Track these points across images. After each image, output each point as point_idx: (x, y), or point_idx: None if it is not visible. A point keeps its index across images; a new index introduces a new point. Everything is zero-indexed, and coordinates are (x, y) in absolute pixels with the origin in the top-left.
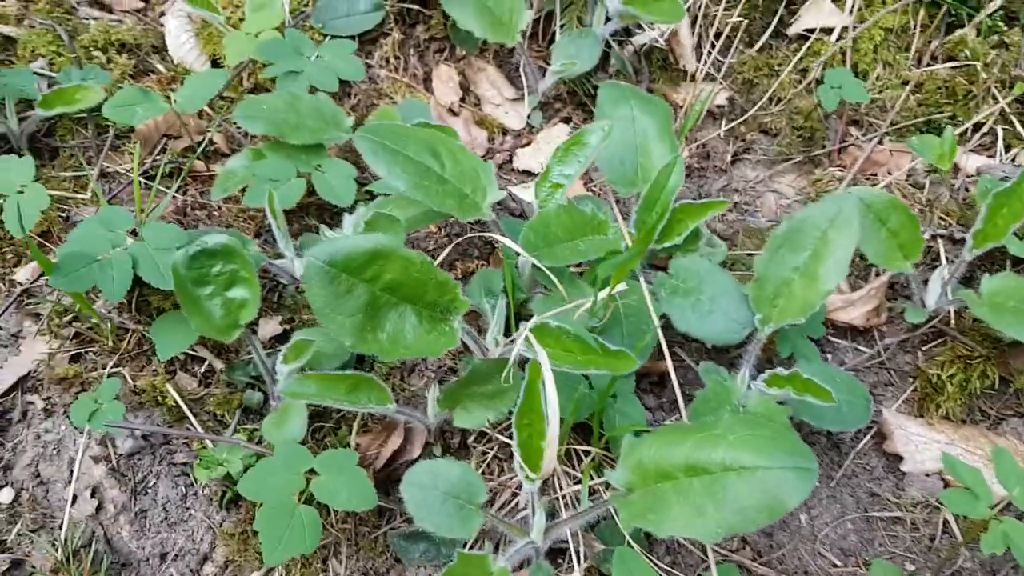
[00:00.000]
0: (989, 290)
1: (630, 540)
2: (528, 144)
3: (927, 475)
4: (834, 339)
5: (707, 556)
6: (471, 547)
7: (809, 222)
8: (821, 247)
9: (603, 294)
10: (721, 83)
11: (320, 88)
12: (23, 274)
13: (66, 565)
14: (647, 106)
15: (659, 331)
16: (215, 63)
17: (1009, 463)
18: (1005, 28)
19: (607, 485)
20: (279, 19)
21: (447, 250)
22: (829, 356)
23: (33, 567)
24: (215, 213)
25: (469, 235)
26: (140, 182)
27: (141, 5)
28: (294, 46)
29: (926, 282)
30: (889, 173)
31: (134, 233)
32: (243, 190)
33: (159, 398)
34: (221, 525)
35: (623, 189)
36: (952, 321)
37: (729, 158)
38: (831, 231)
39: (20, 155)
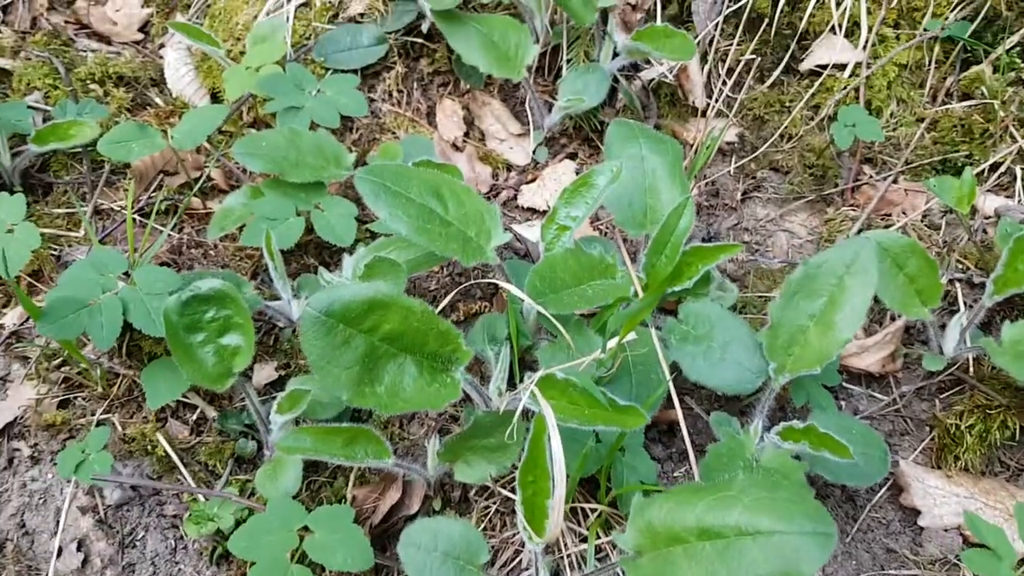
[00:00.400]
0: (1010, 337)
1: None
2: (533, 180)
3: (946, 530)
4: (848, 386)
5: None
6: None
7: (825, 268)
8: (838, 294)
9: (612, 344)
10: (731, 119)
11: (321, 124)
12: (11, 317)
13: None
14: (657, 145)
15: (669, 379)
16: (215, 97)
17: None
18: (1022, 64)
19: (614, 545)
20: (280, 53)
21: (450, 295)
22: (843, 403)
23: None
24: (211, 252)
25: (472, 280)
26: (135, 220)
27: (140, 37)
28: (295, 81)
29: (943, 328)
30: (904, 214)
31: (126, 275)
32: (240, 228)
33: (149, 447)
34: None
35: (632, 230)
36: (971, 369)
37: (739, 196)
38: (848, 277)
39: (12, 192)
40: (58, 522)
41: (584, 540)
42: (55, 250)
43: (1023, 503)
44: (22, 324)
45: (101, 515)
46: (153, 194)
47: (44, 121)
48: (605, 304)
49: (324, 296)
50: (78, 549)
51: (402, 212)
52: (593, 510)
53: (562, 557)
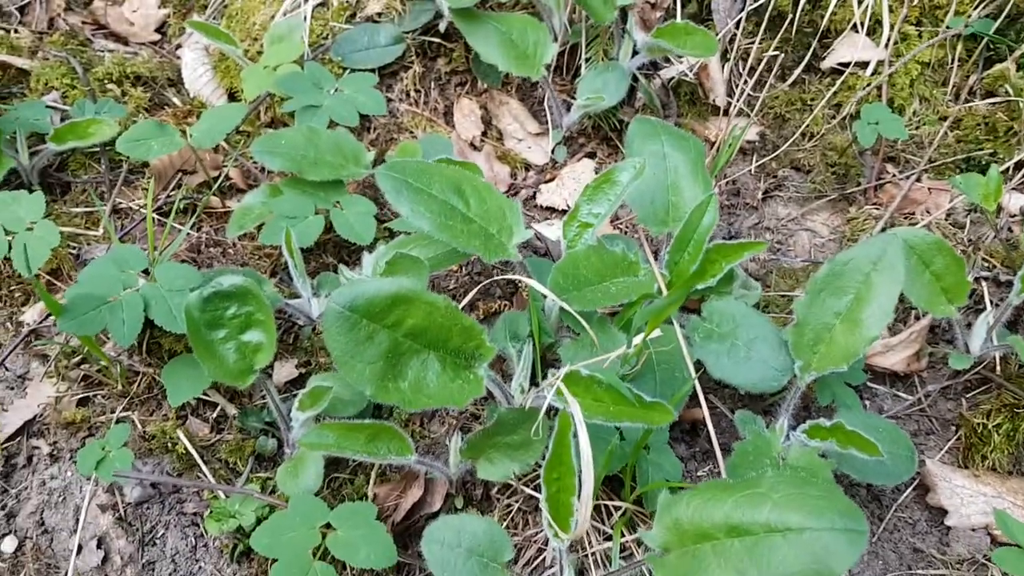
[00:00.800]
0: None
1: None
2: (552, 180)
3: (973, 530)
4: (873, 385)
5: None
6: None
7: (852, 265)
8: (864, 291)
9: (637, 340)
10: (752, 118)
11: (340, 122)
12: (31, 315)
13: None
14: (679, 142)
15: (693, 374)
16: (232, 96)
17: None
18: None
19: (639, 543)
20: (298, 52)
21: (470, 294)
22: (868, 403)
23: None
24: (230, 251)
25: (494, 276)
26: (154, 219)
27: (157, 37)
28: (313, 80)
29: (970, 326)
30: (928, 212)
31: (146, 273)
32: (259, 227)
33: (169, 444)
34: None
35: (654, 228)
36: (997, 367)
37: (760, 195)
38: (875, 274)
39: (31, 190)
40: (77, 520)
41: (608, 538)
42: (74, 248)
43: None
44: (42, 322)
45: (121, 513)
46: (172, 193)
47: (62, 120)
48: (629, 301)
49: (347, 291)
50: (98, 547)
51: (424, 208)
52: (617, 508)
53: (586, 555)
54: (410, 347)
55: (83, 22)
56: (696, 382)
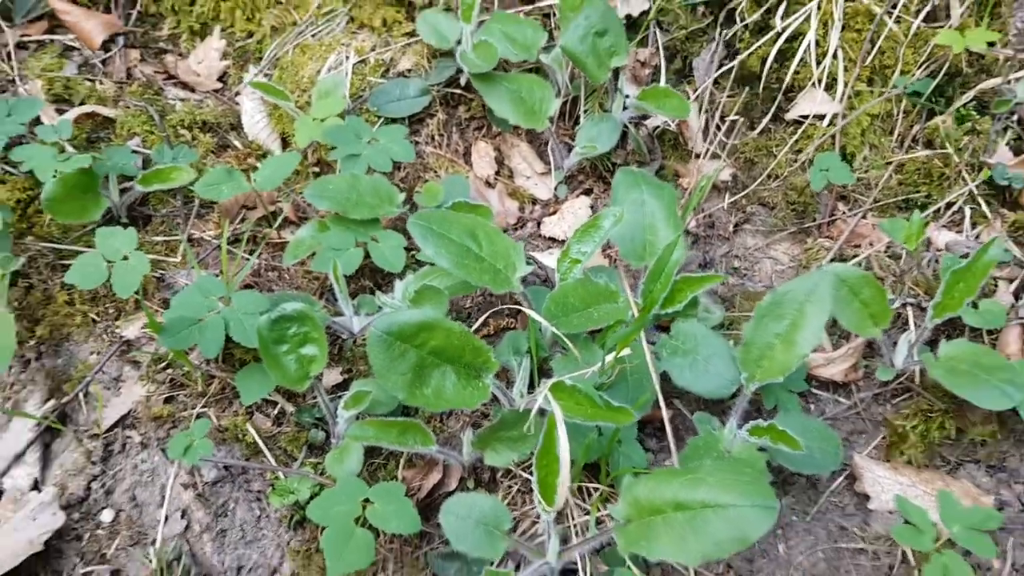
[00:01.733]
0: (945, 354)
1: (630, 563)
2: (554, 213)
3: (890, 512)
4: (818, 391)
5: None
6: (497, 566)
7: (789, 296)
8: (799, 318)
9: (610, 358)
10: (725, 161)
11: (376, 169)
12: (131, 330)
13: (159, 575)
14: (656, 191)
15: (658, 386)
16: (284, 141)
17: (951, 504)
18: (977, 116)
19: (611, 517)
20: (341, 107)
21: (484, 315)
22: (812, 407)
23: None
24: (285, 275)
25: (501, 304)
26: (226, 248)
27: (219, 85)
28: (354, 131)
29: (895, 344)
30: (871, 245)
31: (224, 298)
32: (311, 255)
33: (239, 435)
34: (289, 543)
35: (634, 262)
36: (917, 379)
37: (731, 228)
38: (807, 305)
39: (122, 223)
40: (163, 496)
41: (587, 513)
42: (157, 273)
43: (946, 490)
44: (137, 336)
45: (200, 490)
46: (237, 226)
47: (143, 163)
48: (608, 325)
49: (385, 320)
50: (181, 517)
51: (444, 250)
52: (596, 489)
53: (570, 526)
54: (433, 362)
55: (155, 72)
56: (659, 388)
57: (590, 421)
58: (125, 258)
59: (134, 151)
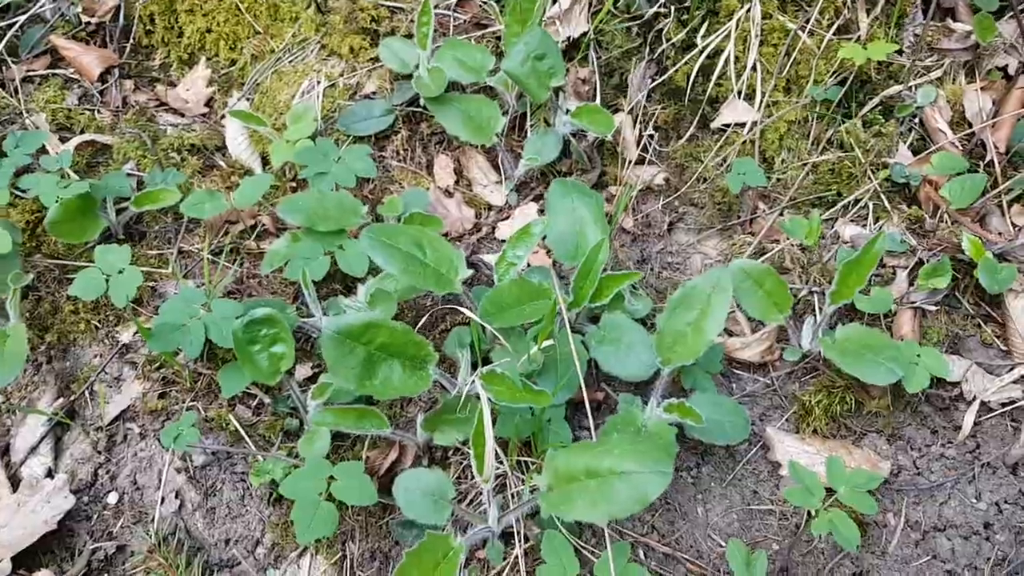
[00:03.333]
0: (840, 336)
1: (560, 526)
2: (507, 218)
3: None
4: (738, 371)
5: (621, 538)
6: (444, 530)
7: (697, 289)
8: (706, 308)
9: (534, 349)
10: (659, 167)
11: (342, 185)
12: (126, 335)
13: (158, 548)
14: (585, 198)
15: (581, 372)
16: (264, 159)
17: (838, 468)
18: (882, 120)
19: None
20: (311, 129)
21: (430, 313)
22: (734, 385)
23: (133, 550)
24: (264, 281)
25: (444, 306)
26: (209, 259)
27: (206, 110)
28: (323, 152)
29: (802, 328)
30: (787, 239)
31: (205, 306)
32: (286, 263)
33: (223, 424)
34: (269, 517)
35: (567, 262)
36: (822, 358)
37: (666, 227)
38: (713, 296)
39: (119, 241)
40: (160, 480)
41: (524, 483)
42: (151, 283)
43: (834, 456)
44: (133, 340)
45: (191, 473)
46: (221, 239)
47: (138, 185)
48: (537, 320)
49: (335, 321)
50: (175, 498)
51: (392, 259)
52: (532, 463)
53: (511, 495)
54: (380, 356)
55: (148, 99)
56: (580, 373)
57: (517, 404)
58: (121, 272)
59: (129, 174)
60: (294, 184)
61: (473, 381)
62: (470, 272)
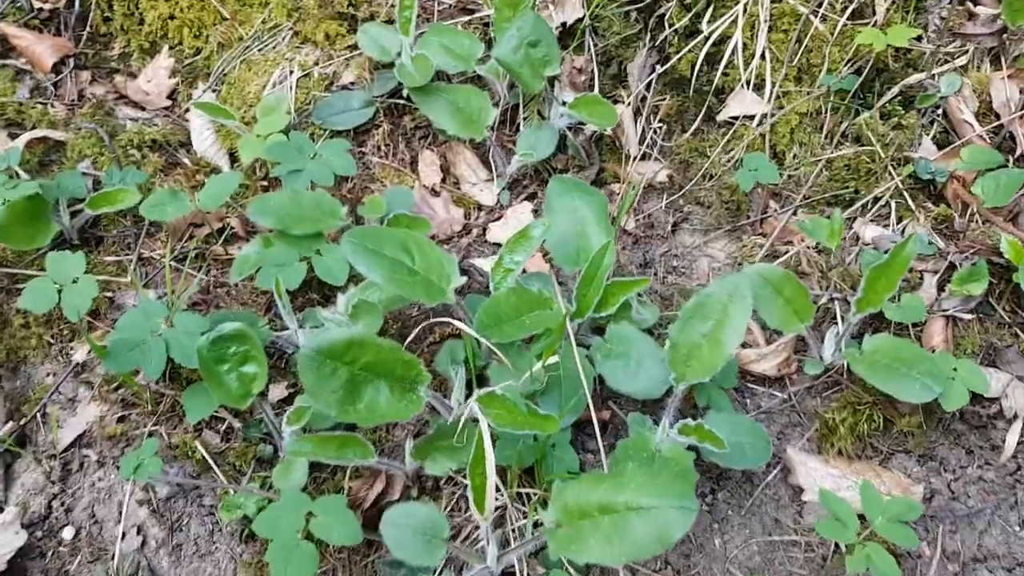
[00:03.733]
0: (869, 348)
1: (567, 565)
2: (499, 219)
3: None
4: (752, 386)
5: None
6: (439, 572)
7: (713, 297)
8: (723, 318)
9: (537, 367)
10: (661, 163)
11: (319, 183)
12: (80, 354)
13: None
14: (587, 197)
15: (589, 391)
16: (232, 156)
17: (873, 496)
18: (902, 111)
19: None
20: (284, 123)
21: (419, 325)
22: (748, 401)
23: None
24: (233, 291)
25: (434, 318)
26: (172, 266)
27: (169, 103)
28: (297, 147)
29: (824, 338)
30: (802, 240)
31: (167, 319)
32: (258, 270)
33: (189, 452)
34: (241, 556)
35: (568, 267)
36: (846, 372)
37: (670, 227)
38: (730, 305)
39: (73, 246)
40: (121, 512)
41: (526, 516)
42: (109, 292)
43: (868, 482)
44: (88, 357)
45: (155, 506)
46: (185, 244)
47: (94, 185)
48: (540, 332)
49: (314, 339)
50: (137, 533)
51: (377, 266)
52: (534, 493)
53: (511, 530)
54: (365, 378)
55: (107, 92)
56: (588, 392)
57: (519, 430)
58: (75, 282)
59: (84, 173)
60: (265, 183)
61: (467, 404)
62: (463, 280)
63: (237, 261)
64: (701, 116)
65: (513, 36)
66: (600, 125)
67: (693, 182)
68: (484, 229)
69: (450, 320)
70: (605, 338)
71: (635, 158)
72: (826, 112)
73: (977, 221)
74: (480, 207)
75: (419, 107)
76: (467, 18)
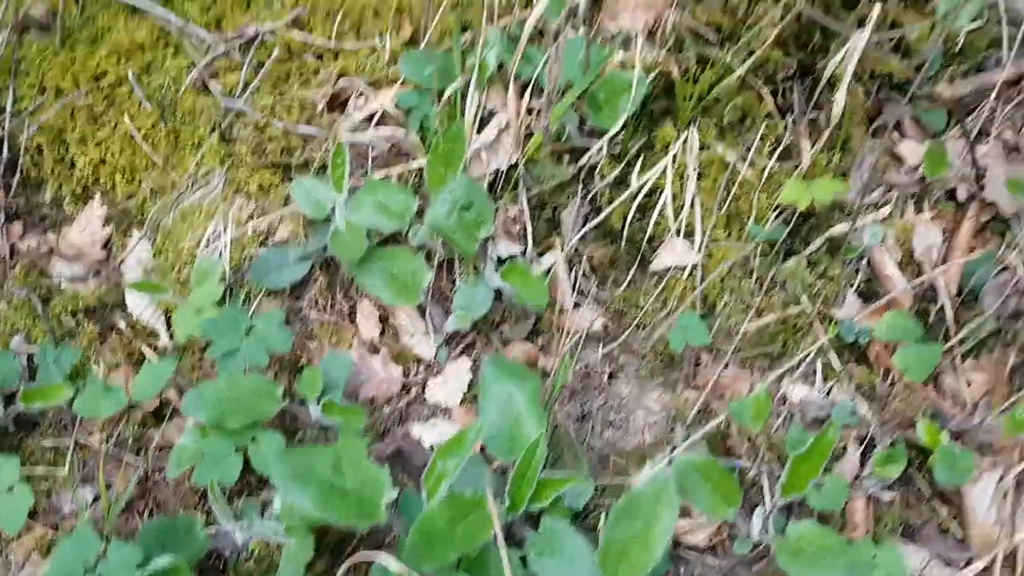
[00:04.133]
0: (794, 535)
1: None
2: (438, 374)
3: None
4: (685, 555)
5: None
6: None
7: (642, 499)
8: (652, 519)
9: None
10: (597, 310)
11: (252, 365)
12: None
13: None
14: (520, 384)
15: None
16: (168, 317)
17: None
18: (829, 259)
19: None
20: (218, 292)
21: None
22: (683, 570)
23: None
24: (171, 481)
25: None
26: (106, 457)
27: (103, 255)
28: (231, 322)
29: (752, 515)
30: (733, 395)
31: (103, 552)
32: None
33: None
34: None
35: (503, 457)
36: (774, 548)
37: (606, 378)
38: (658, 507)
39: (8, 434)
40: None
41: None
42: (45, 487)
43: None
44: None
45: None
46: (123, 429)
47: (28, 361)
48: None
49: None
50: None
51: (306, 493)
52: None
53: None
54: None
55: (39, 244)
56: None
57: None
58: (10, 489)
59: (16, 355)
60: (202, 356)
61: None
62: (394, 494)
63: (174, 453)
64: (635, 266)
65: (446, 200)
66: (532, 303)
67: (627, 333)
68: (423, 386)
69: (378, 554)
70: (539, 533)
71: (569, 310)
72: (755, 258)
73: (900, 386)
74: (419, 360)
75: (354, 276)
76: (401, 168)
